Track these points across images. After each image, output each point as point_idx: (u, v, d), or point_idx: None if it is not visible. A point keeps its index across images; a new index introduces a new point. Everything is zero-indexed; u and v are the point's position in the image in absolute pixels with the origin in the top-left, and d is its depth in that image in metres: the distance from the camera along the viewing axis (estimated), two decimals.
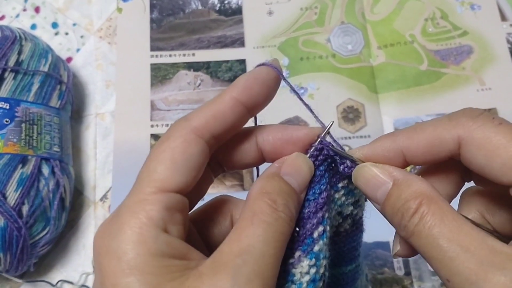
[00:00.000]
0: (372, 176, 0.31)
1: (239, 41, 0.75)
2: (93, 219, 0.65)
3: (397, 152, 0.31)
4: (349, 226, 0.34)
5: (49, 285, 0.61)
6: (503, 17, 0.75)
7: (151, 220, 0.27)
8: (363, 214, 0.35)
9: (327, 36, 0.75)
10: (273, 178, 0.30)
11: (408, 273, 0.61)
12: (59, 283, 0.61)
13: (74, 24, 0.76)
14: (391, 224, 0.30)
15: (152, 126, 0.70)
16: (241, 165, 0.33)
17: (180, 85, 0.73)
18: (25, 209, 0.56)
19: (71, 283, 0.62)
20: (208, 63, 0.74)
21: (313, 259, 0.30)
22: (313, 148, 0.32)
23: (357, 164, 0.32)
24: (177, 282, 0.26)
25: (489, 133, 0.28)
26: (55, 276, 0.62)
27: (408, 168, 0.37)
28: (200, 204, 0.34)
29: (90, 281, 0.62)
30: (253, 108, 0.31)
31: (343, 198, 0.33)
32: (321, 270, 0.30)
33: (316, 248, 0.30)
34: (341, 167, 0.32)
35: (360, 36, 0.75)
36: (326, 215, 0.31)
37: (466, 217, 0.30)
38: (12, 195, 0.55)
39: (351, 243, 0.35)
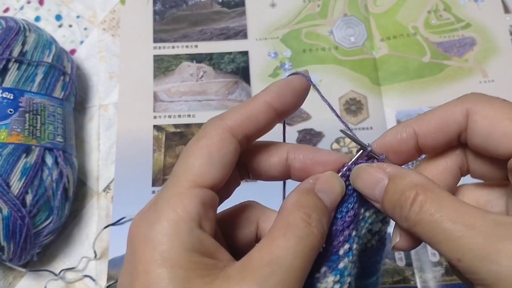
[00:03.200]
0: (368, 175, 0.31)
1: (241, 33, 0.75)
2: (96, 210, 0.66)
3: (409, 134, 0.32)
4: (375, 242, 0.35)
5: (52, 275, 0.62)
6: (506, 9, 0.75)
7: (188, 214, 0.28)
8: (387, 230, 0.36)
9: (329, 28, 0.75)
10: (308, 193, 0.31)
11: (409, 264, 0.61)
12: (62, 272, 0.62)
13: (77, 16, 0.76)
14: (393, 219, 0.31)
15: (155, 117, 0.70)
16: (267, 177, 0.34)
17: (183, 77, 0.73)
18: (28, 198, 0.56)
19: (73, 268, 0.62)
20: (210, 54, 0.74)
21: (338, 276, 0.30)
22: (346, 168, 0.33)
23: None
24: (205, 281, 0.26)
25: (495, 105, 0.30)
26: (58, 265, 0.63)
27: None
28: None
29: (90, 267, 0.63)
30: (282, 113, 0.32)
31: (374, 216, 0.34)
32: (345, 287, 0.31)
33: (341, 265, 0.31)
34: None
35: (363, 28, 0.75)
36: (353, 233, 0.32)
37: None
38: (16, 184, 0.56)
39: (375, 257, 0.36)
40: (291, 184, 0.34)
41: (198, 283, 0.26)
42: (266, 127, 0.32)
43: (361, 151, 0.33)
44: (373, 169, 0.31)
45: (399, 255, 0.62)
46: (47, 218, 0.58)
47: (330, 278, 0.30)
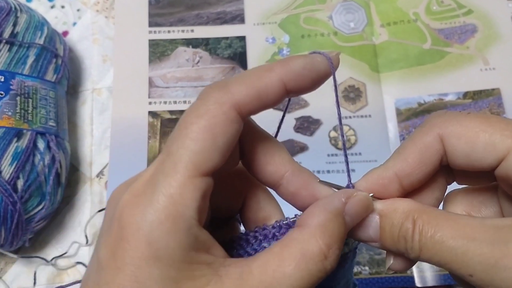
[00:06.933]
0: None
1: (239, 18, 0.74)
2: (89, 195, 0.64)
3: (391, 177, 0.30)
4: None
5: (44, 261, 0.61)
6: None
7: (189, 210, 0.25)
8: (349, 252, 0.33)
9: (329, 13, 0.73)
10: (337, 217, 0.27)
11: None
12: (53, 260, 0.61)
13: None
14: (398, 253, 0.29)
15: (150, 103, 0.69)
16: (254, 174, 0.31)
17: (179, 62, 0.71)
18: (20, 183, 0.55)
19: (63, 254, 0.61)
20: (207, 39, 0.73)
21: None
22: None
23: None
24: (197, 284, 0.25)
25: (463, 122, 0.28)
26: (50, 252, 0.62)
27: None
28: None
29: (81, 253, 0.62)
30: (291, 94, 0.29)
31: None
32: None
33: None
34: None
35: (363, 13, 0.73)
36: None
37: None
38: (7, 169, 0.54)
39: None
40: None
41: (189, 286, 0.25)
42: (272, 106, 0.28)
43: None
44: None
45: None
46: (39, 203, 0.57)
47: None
